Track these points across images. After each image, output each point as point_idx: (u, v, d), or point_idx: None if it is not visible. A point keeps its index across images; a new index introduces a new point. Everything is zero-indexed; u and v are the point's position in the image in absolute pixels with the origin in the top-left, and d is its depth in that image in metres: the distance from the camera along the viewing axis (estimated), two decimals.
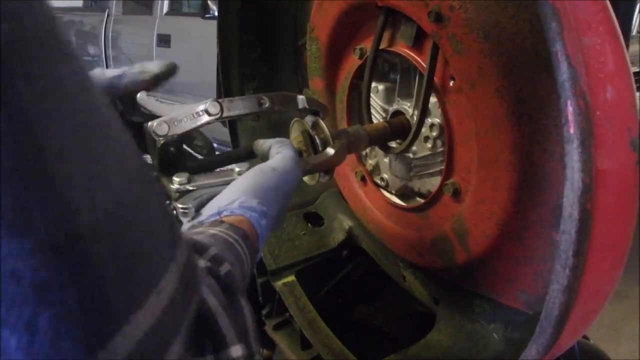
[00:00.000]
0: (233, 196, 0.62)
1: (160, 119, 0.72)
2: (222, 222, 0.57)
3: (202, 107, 0.73)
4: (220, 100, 0.75)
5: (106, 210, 0.25)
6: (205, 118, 0.73)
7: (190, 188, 0.69)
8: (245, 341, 0.42)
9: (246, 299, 0.47)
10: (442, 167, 0.93)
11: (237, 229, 0.56)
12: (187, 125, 0.72)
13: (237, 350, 0.39)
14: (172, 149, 0.73)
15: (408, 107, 1.01)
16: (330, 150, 0.82)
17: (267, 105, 0.78)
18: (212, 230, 0.54)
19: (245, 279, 0.52)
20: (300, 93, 1.36)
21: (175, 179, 0.70)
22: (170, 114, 0.73)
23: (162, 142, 0.71)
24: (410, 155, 1.03)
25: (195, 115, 0.73)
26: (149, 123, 0.71)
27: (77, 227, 0.23)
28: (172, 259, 0.30)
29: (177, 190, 0.69)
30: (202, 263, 0.44)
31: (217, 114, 0.74)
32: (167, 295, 0.28)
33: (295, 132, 0.88)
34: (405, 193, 1.11)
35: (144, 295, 0.26)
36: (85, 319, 0.23)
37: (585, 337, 1.22)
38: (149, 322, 0.26)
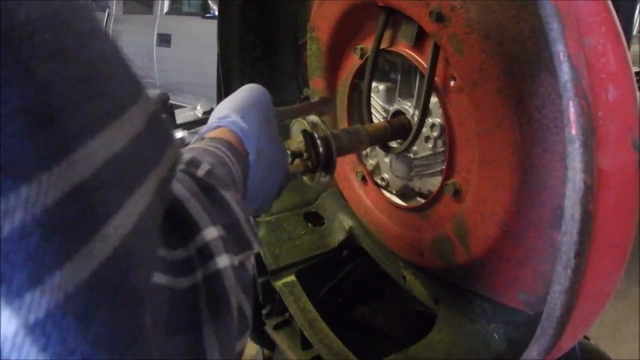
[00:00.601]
0: (212, 119, 0.66)
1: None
2: (202, 138, 0.60)
3: (197, 106, 0.77)
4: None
5: (48, 21, 0.24)
6: (197, 115, 0.78)
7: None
8: (229, 228, 0.42)
9: (236, 195, 0.48)
10: (443, 167, 0.93)
11: (217, 139, 0.59)
12: (182, 119, 0.76)
13: (210, 232, 0.38)
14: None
15: (409, 107, 1.01)
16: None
17: None
18: (191, 146, 0.56)
19: (235, 181, 0.53)
20: (301, 93, 1.36)
21: (178, 134, 0.75)
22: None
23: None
24: (411, 155, 1.02)
25: (189, 112, 0.77)
26: None
27: (12, 21, 0.22)
28: (134, 102, 0.29)
29: (180, 139, 0.73)
30: None
31: (208, 112, 0.79)
32: (129, 134, 0.27)
33: (295, 131, 0.88)
34: (405, 193, 1.11)
35: (99, 122, 0.25)
36: (34, 126, 0.22)
37: (585, 337, 1.22)
38: (107, 151, 0.25)
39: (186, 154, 0.48)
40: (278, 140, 0.71)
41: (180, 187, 0.39)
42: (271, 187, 0.70)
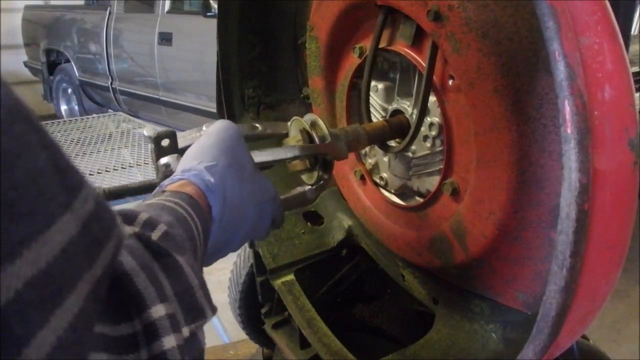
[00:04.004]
0: (178, 168, 0.64)
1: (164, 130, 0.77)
2: (163, 192, 0.58)
3: (202, 127, 0.77)
4: None
5: None
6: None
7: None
8: (181, 296, 0.42)
9: (192, 258, 0.47)
10: (441, 167, 0.93)
11: (178, 193, 0.57)
12: (186, 142, 0.75)
13: (158, 310, 0.38)
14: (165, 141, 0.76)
15: (407, 106, 1.01)
16: (301, 188, 0.86)
17: (259, 130, 0.86)
18: (150, 201, 0.54)
19: (194, 240, 0.52)
20: (300, 92, 1.36)
21: (163, 159, 0.74)
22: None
23: (155, 135, 0.75)
24: (410, 154, 1.02)
25: (194, 133, 0.77)
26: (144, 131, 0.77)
27: None
28: (66, 210, 0.29)
29: (164, 164, 0.73)
30: (128, 230, 0.44)
31: None
32: (58, 246, 0.28)
33: (294, 130, 0.88)
34: (404, 192, 1.11)
35: (20, 245, 0.25)
36: None
37: (584, 337, 1.22)
38: (30, 270, 0.25)
39: (143, 213, 0.47)
40: (254, 178, 0.69)
41: (130, 261, 0.39)
42: (253, 225, 0.68)
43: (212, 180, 0.61)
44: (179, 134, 0.77)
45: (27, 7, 6.41)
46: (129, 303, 0.37)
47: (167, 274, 0.42)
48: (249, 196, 0.67)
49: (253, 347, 1.95)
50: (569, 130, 0.50)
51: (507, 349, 0.89)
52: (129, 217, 0.46)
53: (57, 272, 0.27)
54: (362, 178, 1.17)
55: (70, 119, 4.90)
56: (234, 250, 0.69)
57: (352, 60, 1.09)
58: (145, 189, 0.76)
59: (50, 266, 0.26)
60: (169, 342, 0.38)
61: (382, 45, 0.98)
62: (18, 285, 0.24)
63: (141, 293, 0.38)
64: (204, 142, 0.67)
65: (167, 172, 0.72)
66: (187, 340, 0.40)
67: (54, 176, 0.29)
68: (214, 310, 0.46)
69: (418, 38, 0.91)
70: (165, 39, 4.29)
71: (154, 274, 0.40)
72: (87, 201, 0.32)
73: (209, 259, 0.65)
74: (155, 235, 0.44)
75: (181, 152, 0.75)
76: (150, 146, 0.75)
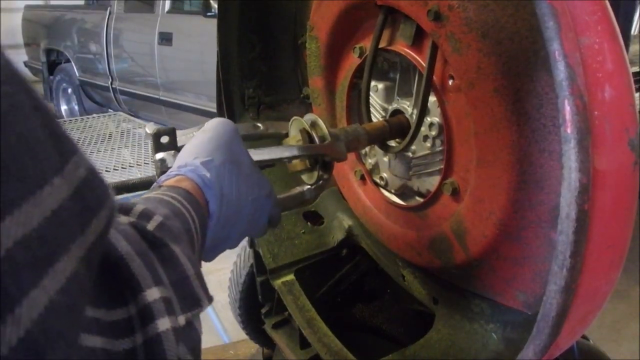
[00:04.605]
0: (175, 165, 0.64)
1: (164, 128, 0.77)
2: (160, 187, 0.58)
3: (203, 125, 0.77)
4: None
5: None
6: None
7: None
8: (177, 285, 0.42)
9: (188, 249, 0.47)
10: (441, 167, 0.93)
11: (175, 188, 0.57)
12: (185, 140, 0.76)
13: (152, 293, 0.38)
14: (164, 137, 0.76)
15: (407, 106, 1.01)
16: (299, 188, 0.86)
17: (261, 129, 0.87)
18: (146, 196, 0.54)
19: (190, 232, 0.52)
20: (300, 92, 1.36)
21: (159, 155, 0.74)
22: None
23: (155, 131, 0.75)
24: (410, 154, 1.02)
25: (194, 132, 0.77)
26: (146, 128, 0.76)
27: None
28: (57, 173, 0.29)
29: (160, 160, 0.74)
30: (124, 220, 0.44)
31: None
32: (49, 208, 0.27)
33: (293, 130, 0.88)
34: (404, 192, 1.11)
35: (10, 204, 0.25)
36: None
37: (584, 337, 1.22)
38: (21, 229, 0.25)
39: (139, 205, 0.47)
40: (251, 174, 0.69)
41: (125, 245, 0.39)
42: (250, 221, 0.69)
43: (208, 175, 0.61)
44: (178, 132, 0.77)
45: (27, 7, 6.41)
46: (124, 287, 0.37)
47: (163, 263, 0.42)
48: (246, 192, 0.67)
49: (253, 347, 1.95)
50: (569, 130, 0.50)
51: (507, 349, 0.89)
52: (125, 209, 0.46)
53: (48, 233, 0.27)
54: (362, 178, 1.17)
55: (70, 119, 4.90)
56: (232, 247, 0.70)
57: (352, 60, 1.09)
58: (144, 185, 0.76)
59: (41, 227, 0.26)
60: (164, 324, 0.37)
61: (382, 45, 0.98)
62: (8, 244, 0.24)
63: (136, 277, 0.38)
64: (200, 138, 0.67)
65: (163, 167, 0.73)
66: (184, 328, 0.40)
67: (46, 139, 0.29)
68: (210, 299, 0.46)
69: (418, 38, 0.91)
70: (166, 39, 4.29)
71: (149, 261, 0.40)
72: (79, 167, 0.31)
73: (207, 255, 0.66)
74: (151, 226, 0.45)
75: (180, 149, 0.75)
76: (150, 142, 0.76)
